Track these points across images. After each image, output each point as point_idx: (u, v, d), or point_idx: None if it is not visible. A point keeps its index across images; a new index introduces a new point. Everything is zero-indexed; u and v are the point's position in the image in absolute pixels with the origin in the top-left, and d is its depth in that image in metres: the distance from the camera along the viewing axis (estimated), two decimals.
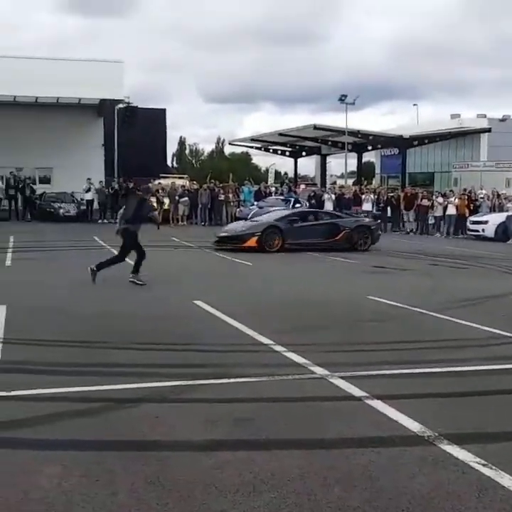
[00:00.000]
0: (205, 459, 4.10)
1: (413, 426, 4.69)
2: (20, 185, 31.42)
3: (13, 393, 5.27)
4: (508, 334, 7.93)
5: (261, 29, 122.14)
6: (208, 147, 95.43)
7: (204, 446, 4.30)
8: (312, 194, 32.00)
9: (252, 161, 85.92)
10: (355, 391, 5.53)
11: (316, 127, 40.43)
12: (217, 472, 3.89)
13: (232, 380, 5.82)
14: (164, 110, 48.94)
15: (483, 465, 4.01)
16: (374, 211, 29.34)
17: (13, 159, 34.36)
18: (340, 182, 50.72)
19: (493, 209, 27.64)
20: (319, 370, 6.16)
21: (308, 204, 30.25)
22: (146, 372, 6.08)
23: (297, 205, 29.78)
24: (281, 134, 44.82)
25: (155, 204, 30.57)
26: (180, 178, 38.07)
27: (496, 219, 25.40)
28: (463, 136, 44.70)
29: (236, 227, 20.20)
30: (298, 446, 4.34)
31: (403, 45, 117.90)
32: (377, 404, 5.17)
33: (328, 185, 42.40)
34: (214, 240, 19.27)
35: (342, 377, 5.91)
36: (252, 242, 18.39)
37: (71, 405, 5.04)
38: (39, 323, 8.21)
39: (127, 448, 4.26)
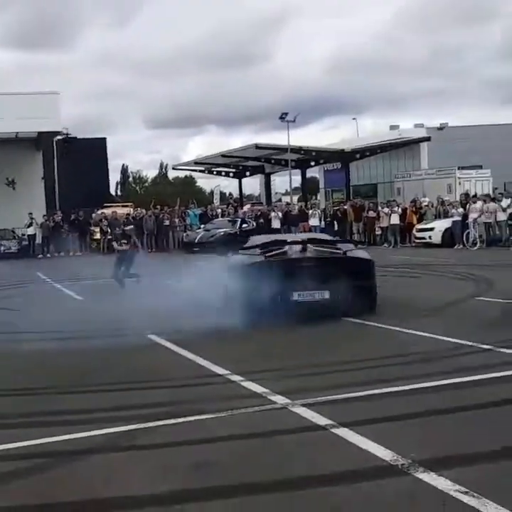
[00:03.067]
0: None
1: (384, 454, 4.41)
2: None
3: None
4: (471, 343, 7.74)
5: (201, 53, 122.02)
6: (152, 173, 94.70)
7: (164, 498, 3.93)
8: (259, 213, 31.85)
9: (197, 184, 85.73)
10: (320, 420, 5.22)
11: (257, 146, 40.29)
12: None
13: (188, 419, 5.44)
14: (104, 139, 48.17)
15: (465, 493, 3.73)
16: (321, 226, 29.39)
17: None
18: (285, 199, 50.76)
19: (438, 216, 27.87)
20: (280, 399, 5.85)
21: (255, 224, 30.12)
22: (89, 418, 5.64)
23: (244, 225, 29.68)
24: (223, 156, 44.59)
25: (98, 235, 30.16)
26: (124, 206, 37.51)
27: (441, 225, 25.61)
28: (403, 147, 45.15)
29: None
30: (266, 490, 4.00)
31: (341, 62, 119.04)
32: (345, 433, 4.88)
33: (273, 203, 42.32)
34: None
35: (304, 405, 5.61)
36: None
37: (12, 464, 4.60)
38: None
39: (81, 510, 3.86)
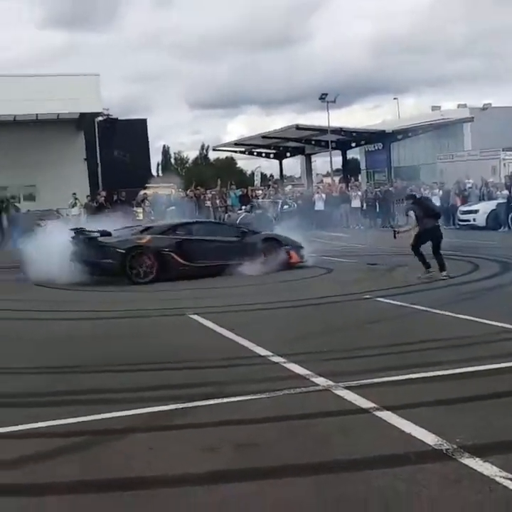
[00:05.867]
0: (207, 493, 3.71)
1: (429, 438, 4.32)
2: (4, 205, 30.93)
3: None
4: None
5: (241, 34, 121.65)
6: (193, 154, 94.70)
7: (205, 479, 3.91)
8: (299, 194, 31.66)
9: (237, 166, 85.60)
10: (363, 402, 5.15)
11: (298, 127, 40.07)
12: (223, 507, 3.51)
13: (229, 400, 5.42)
14: (145, 120, 48.33)
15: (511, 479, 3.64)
16: (363, 208, 29.17)
17: None
18: (326, 180, 50.41)
19: (482, 198, 27.38)
20: (322, 381, 5.79)
21: (296, 205, 29.96)
22: (129, 397, 5.64)
23: (285, 206, 29.54)
24: (264, 137, 44.44)
25: (141, 215, 30.29)
26: (166, 187, 37.57)
27: (486, 207, 25.16)
28: (445, 127, 44.41)
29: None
30: (307, 472, 3.95)
31: (382, 42, 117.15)
32: (388, 416, 4.80)
33: (314, 185, 42.04)
34: None
35: (347, 388, 5.54)
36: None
37: (55, 441, 4.63)
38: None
39: (121, 488, 3.86)
